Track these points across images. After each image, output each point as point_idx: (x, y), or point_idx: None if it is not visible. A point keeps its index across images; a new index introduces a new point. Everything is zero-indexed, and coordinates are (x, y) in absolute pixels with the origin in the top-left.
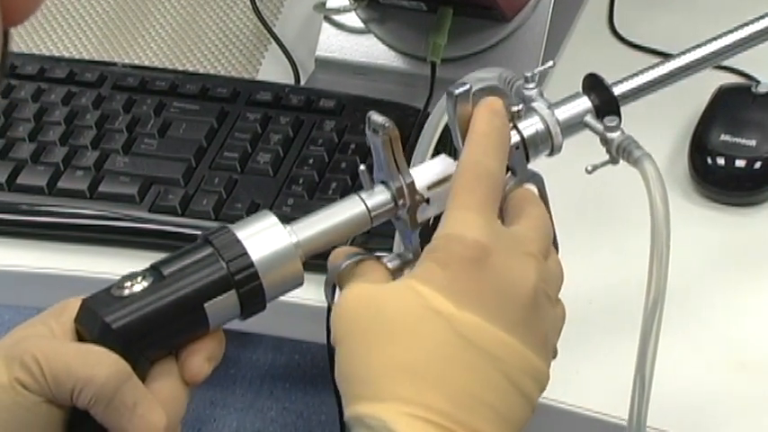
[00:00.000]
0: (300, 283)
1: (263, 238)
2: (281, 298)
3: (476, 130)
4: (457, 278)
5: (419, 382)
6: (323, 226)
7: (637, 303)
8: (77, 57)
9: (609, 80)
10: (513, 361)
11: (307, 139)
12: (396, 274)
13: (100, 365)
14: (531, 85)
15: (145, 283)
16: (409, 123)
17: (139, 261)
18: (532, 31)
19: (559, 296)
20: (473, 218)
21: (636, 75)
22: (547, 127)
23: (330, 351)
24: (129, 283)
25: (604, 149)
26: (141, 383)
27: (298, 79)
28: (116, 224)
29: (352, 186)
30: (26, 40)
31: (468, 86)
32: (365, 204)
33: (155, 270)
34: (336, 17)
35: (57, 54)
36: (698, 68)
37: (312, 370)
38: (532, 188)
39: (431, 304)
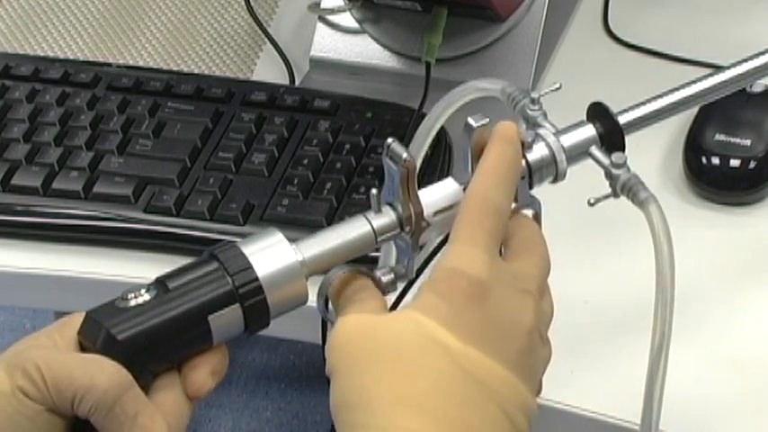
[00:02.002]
0: (304, 302)
1: (269, 254)
2: None
3: (488, 159)
4: (459, 312)
5: (419, 414)
6: (328, 245)
7: (632, 303)
8: (72, 57)
9: (603, 80)
10: (511, 396)
11: (301, 139)
12: (389, 287)
13: (101, 374)
14: (536, 107)
15: (149, 296)
16: (404, 123)
17: (135, 262)
18: (527, 31)
19: (554, 304)
20: (476, 254)
21: (642, 104)
22: (552, 154)
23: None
24: (133, 296)
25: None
26: (143, 393)
27: (292, 79)
28: (111, 225)
29: (347, 187)
30: (20, 40)
31: (487, 120)
32: (371, 225)
33: (159, 283)
34: (331, 17)
35: (51, 55)
36: (705, 98)
37: (308, 370)
38: (529, 213)
39: (434, 336)
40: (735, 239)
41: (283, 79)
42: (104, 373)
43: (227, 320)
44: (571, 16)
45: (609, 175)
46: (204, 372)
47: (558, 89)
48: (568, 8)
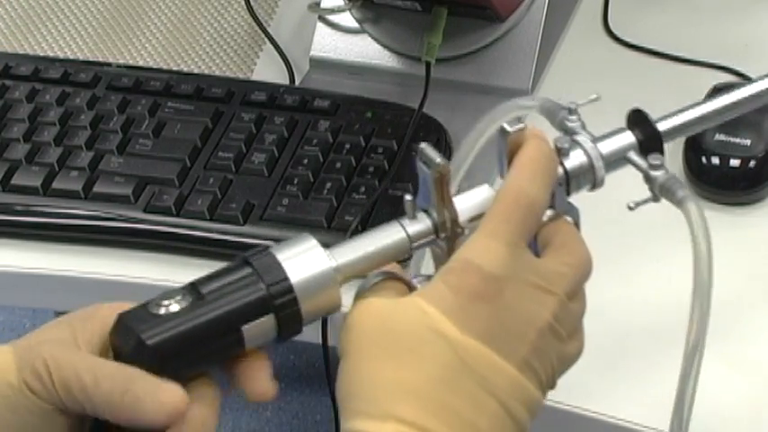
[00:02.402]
0: (338, 308)
1: (303, 260)
2: None
3: (524, 153)
4: (466, 306)
5: (419, 405)
6: (362, 251)
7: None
8: (72, 57)
9: (603, 80)
10: (511, 390)
11: (301, 139)
12: None
13: (105, 377)
14: (574, 117)
15: (183, 303)
16: (404, 123)
17: (135, 261)
18: (527, 31)
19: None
20: (497, 248)
21: (681, 111)
22: (590, 161)
23: (326, 354)
24: (166, 302)
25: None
26: (154, 379)
27: (292, 79)
28: (111, 225)
29: (347, 187)
30: (20, 40)
31: (522, 125)
32: (406, 232)
33: (193, 288)
34: (331, 17)
35: (51, 54)
36: (746, 106)
37: (307, 370)
38: (569, 220)
39: (436, 326)
40: (735, 239)
41: (283, 79)
42: (115, 380)
43: (260, 329)
44: (571, 16)
45: (647, 178)
46: (266, 378)
47: (596, 99)
48: (568, 8)
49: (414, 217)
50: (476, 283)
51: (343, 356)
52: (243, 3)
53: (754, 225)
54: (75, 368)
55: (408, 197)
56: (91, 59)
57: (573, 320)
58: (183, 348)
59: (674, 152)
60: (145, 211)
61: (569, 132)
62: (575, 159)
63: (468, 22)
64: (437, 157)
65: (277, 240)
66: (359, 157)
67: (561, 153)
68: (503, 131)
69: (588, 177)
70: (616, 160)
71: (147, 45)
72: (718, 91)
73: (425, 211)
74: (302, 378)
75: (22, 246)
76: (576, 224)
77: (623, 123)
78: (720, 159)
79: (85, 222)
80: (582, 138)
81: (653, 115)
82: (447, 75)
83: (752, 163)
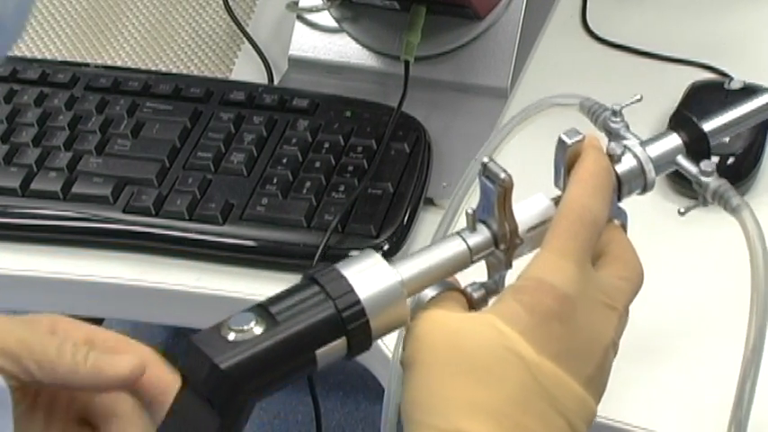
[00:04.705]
0: (405, 323)
1: (370, 275)
2: (255, 297)
3: (585, 167)
4: (541, 326)
5: (493, 424)
6: (425, 264)
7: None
8: (50, 58)
9: (581, 78)
10: (580, 411)
11: (280, 138)
12: (480, 303)
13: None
14: (618, 119)
15: (256, 327)
16: (383, 122)
17: (114, 262)
18: (505, 29)
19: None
20: (568, 267)
21: (725, 111)
22: (640, 164)
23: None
24: (238, 326)
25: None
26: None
27: (271, 79)
28: (90, 225)
29: (327, 186)
30: None
31: (581, 136)
32: (467, 244)
33: (263, 310)
34: (309, 16)
35: (29, 55)
36: None
37: None
38: (617, 224)
39: (513, 346)
40: (715, 236)
41: (262, 78)
42: (69, 348)
43: (333, 351)
44: (549, 14)
45: (698, 184)
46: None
47: (639, 100)
48: (547, 6)
49: (474, 229)
50: (550, 303)
51: (410, 368)
52: (221, 2)
53: (734, 222)
54: (41, 342)
55: (469, 210)
56: (69, 60)
57: (622, 332)
58: (258, 373)
59: None
60: (124, 211)
61: (614, 134)
62: (626, 164)
63: (447, 21)
64: (501, 172)
65: (259, 240)
66: (338, 156)
67: (614, 160)
68: (561, 143)
69: (639, 182)
70: (665, 163)
71: (125, 45)
72: (697, 88)
73: (484, 222)
74: None
75: (1, 247)
76: (624, 227)
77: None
78: None
79: (64, 223)
80: (631, 142)
81: (633, 114)
82: (426, 73)
83: (730, 160)
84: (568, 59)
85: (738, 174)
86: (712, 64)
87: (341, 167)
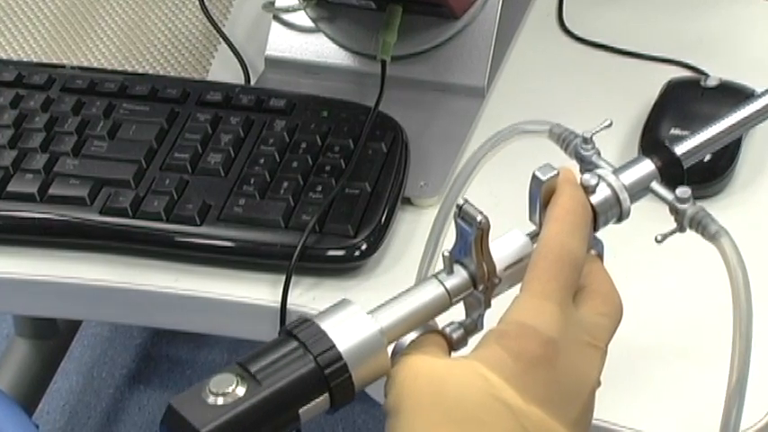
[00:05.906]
0: (386, 372)
1: (348, 327)
2: (233, 298)
3: (561, 204)
4: (526, 372)
5: None
6: (404, 311)
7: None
8: (25, 59)
9: (558, 77)
10: None
11: (257, 138)
12: (459, 344)
13: None
14: (589, 146)
15: (237, 388)
16: (360, 122)
17: (92, 264)
18: (482, 28)
19: None
20: (550, 309)
21: (695, 133)
22: (615, 194)
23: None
24: (218, 388)
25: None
26: None
27: (248, 79)
28: (67, 227)
29: (304, 186)
30: None
31: (555, 172)
32: (445, 287)
33: (242, 369)
34: (285, 16)
35: (4, 57)
36: (761, 119)
37: None
38: (594, 254)
39: (499, 394)
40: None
41: (239, 79)
42: None
43: (316, 407)
44: (526, 13)
45: (674, 210)
46: None
47: (609, 126)
48: (523, 5)
49: (451, 271)
50: (534, 348)
51: (394, 415)
52: (197, 3)
53: None
54: None
55: (446, 252)
56: (44, 61)
57: (603, 368)
58: None
59: (629, 146)
60: (101, 212)
61: (585, 161)
62: (600, 194)
63: (423, 20)
64: (478, 215)
65: (236, 241)
66: (315, 156)
67: (588, 191)
68: (535, 179)
69: (614, 211)
70: (639, 190)
71: (101, 46)
72: (673, 86)
73: (461, 264)
74: None
75: None
76: (600, 257)
77: (579, 120)
78: None
79: (41, 225)
80: (603, 171)
81: (610, 112)
82: (403, 73)
83: (707, 157)
84: (545, 58)
85: (714, 172)
86: (689, 62)
87: (318, 167)
